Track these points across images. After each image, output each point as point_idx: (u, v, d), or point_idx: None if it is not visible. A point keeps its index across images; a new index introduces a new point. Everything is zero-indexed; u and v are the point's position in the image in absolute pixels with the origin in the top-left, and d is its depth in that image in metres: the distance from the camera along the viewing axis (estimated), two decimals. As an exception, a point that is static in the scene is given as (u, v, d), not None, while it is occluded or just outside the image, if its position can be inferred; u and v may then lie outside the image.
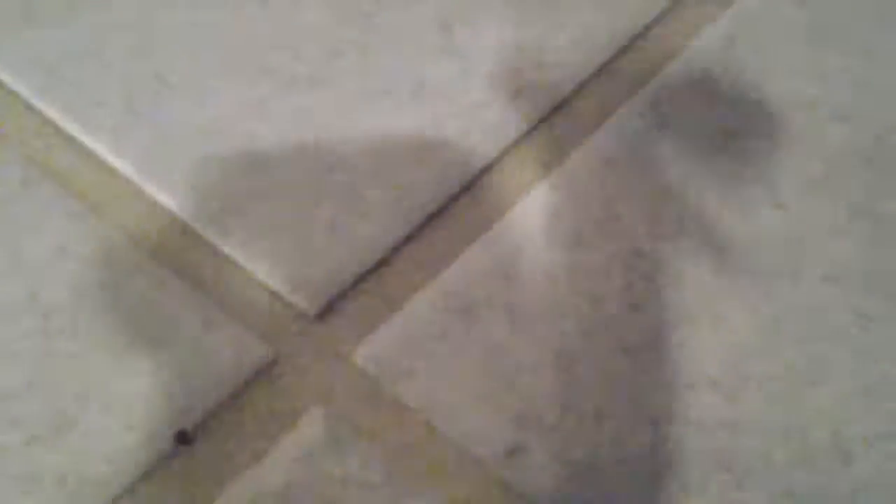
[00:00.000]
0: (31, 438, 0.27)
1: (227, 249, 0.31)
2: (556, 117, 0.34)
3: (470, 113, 0.34)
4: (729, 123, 0.34)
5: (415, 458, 0.28)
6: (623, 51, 0.36)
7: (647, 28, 0.36)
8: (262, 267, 0.30)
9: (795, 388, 0.29)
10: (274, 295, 0.30)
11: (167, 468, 0.27)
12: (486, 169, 0.33)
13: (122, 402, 0.28)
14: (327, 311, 0.30)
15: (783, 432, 0.28)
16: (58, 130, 0.33)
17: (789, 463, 0.28)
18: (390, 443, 0.28)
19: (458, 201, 0.32)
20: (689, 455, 0.28)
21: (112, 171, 0.32)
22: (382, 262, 0.31)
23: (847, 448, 0.28)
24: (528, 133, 0.34)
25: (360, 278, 0.31)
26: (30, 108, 0.33)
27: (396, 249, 0.31)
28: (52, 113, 0.33)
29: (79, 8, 0.35)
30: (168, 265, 0.31)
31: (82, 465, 0.27)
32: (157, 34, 0.35)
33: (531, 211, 0.32)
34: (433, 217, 0.32)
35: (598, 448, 0.28)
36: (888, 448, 0.28)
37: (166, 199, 0.32)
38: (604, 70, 0.35)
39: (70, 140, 0.33)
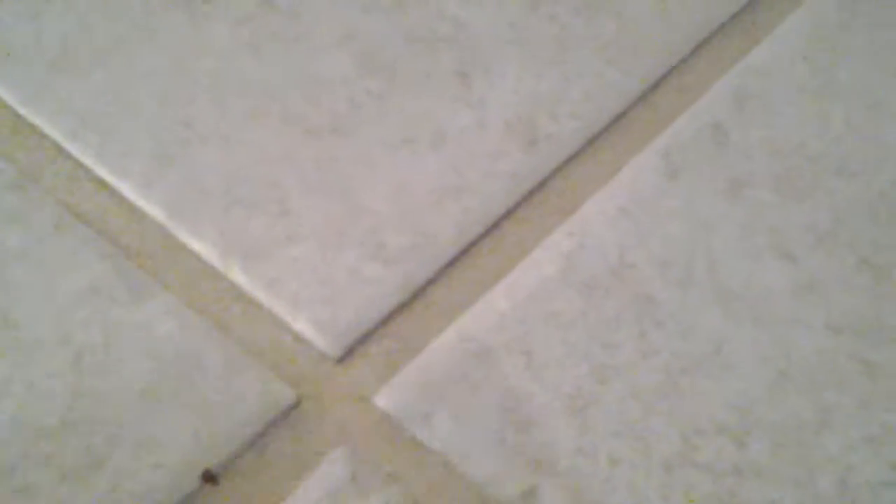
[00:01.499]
0: (63, 476, 0.28)
1: (251, 292, 0.32)
2: (570, 166, 0.35)
3: (488, 161, 0.35)
4: (738, 175, 0.35)
5: (435, 499, 0.29)
6: (636, 103, 0.37)
7: (660, 81, 0.37)
8: (285, 310, 0.31)
9: (802, 435, 0.30)
10: (297, 338, 0.31)
11: (194, 506, 0.28)
12: (504, 216, 0.34)
13: (150, 442, 0.29)
14: (349, 354, 0.31)
15: (791, 478, 0.29)
16: (89, 175, 0.34)
17: (797, 508, 0.29)
18: (411, 484, 0.29)
19: (477, 247, 0.33)
20: (700, 499, 0.29)
21: (142, 216, 0.33)
22: (403, 307, 0.32)
23: (854, 496, 0.29)
24: (544, 182, 0.35)
25: (382, 322, 0.32)
26: (62, 152, 0.34)
27: (417, 294, 0.32)
28: (84, 158, 0.34)
29: (109, 55, 0.37)
30: (194, 307, 0.32)
31: (112, 503, 0.28)
32: (185, 82, 0.36)
33: (547, 258, 0.33)
34: (452, 263, 0.33)
35: (611, 492, 0.29)
36: (894, 496, 0.29)
37: (194, 243, 0.33)
38: (617, 121, 0.36)
39: (101, 184, 0.34)
